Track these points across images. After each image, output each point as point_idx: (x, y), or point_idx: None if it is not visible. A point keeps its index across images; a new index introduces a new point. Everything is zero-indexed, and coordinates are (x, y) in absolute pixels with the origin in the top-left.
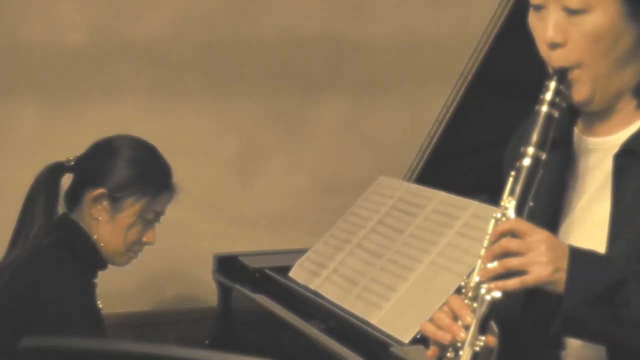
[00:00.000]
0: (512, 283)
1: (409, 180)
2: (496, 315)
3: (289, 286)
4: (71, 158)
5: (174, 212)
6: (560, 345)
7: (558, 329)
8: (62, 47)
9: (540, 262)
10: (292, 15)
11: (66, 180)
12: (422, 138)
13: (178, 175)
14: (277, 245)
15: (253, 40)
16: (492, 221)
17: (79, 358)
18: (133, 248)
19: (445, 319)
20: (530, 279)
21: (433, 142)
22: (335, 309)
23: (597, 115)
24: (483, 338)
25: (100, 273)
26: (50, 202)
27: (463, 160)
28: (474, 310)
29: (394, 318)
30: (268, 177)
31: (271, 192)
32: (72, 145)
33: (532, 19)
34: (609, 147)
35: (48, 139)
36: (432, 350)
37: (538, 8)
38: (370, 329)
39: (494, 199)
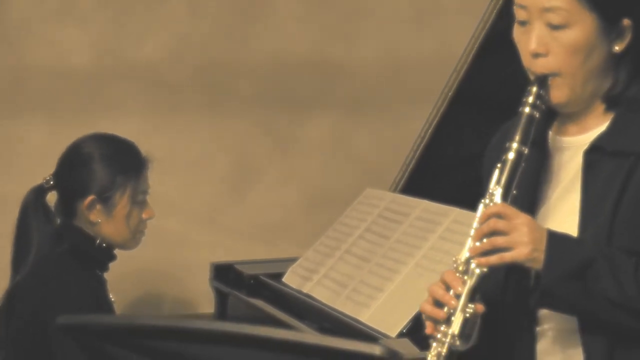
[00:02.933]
0: (494, 259)
1: (393, 193)
2: (481, 293)
3: (283, 290)
4: (48, 177)
5: (172, 223)
6: (534, 321)
7: (536, 302)
8: (66, 69)
9: (523, 241)
10: (284, 39)
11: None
12: (406, 154)
13: (176, 188)
14: (269, 255)
15: (247, 63)
16: (481, 206)
17: (110, 334)
18: (138, 230)
19: (439, 290)
20: (510, 255)
21: (416, 157)
22: (328, 309)
23: (570, 118)
24: (472, 306)
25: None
26: (43, 221)
27: (444, 175)
28: (464, 282)
29: (382, 315)
30: (260, 191)
31: (263, 205)
32: None
33: (517, 33)
34: (579, 145)
35: (54, 157)
36: (429, 327)
37: (523, 23)
38: (360, 325)
39: (474, 211)
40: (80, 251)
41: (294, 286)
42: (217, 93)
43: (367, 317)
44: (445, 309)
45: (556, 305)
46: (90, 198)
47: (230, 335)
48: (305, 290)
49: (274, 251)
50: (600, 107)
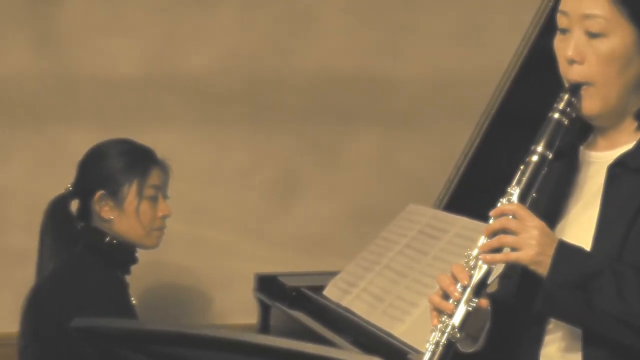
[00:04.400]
0: (499, 257)
1: (437, 209)
2: (495, 297)
3: (322, 303)
4: (69, 185)
5: (217, 234)
6: (542, 328)
7: (538, 307)
8: (115, 79)
9: (530, 244)
10: (330, 54)
11: None
12: (451, 170)
13: (222, 199)
14: (313, 268)
15: (293, 76)
16: (498, 204)
17: (122, 338)
18: (154, 227)
19: (445, 280)
20: (515, 255)
21: (459, 174)
22: (364, 324)
23: (602, 133)
24: (476, 300)
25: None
26: (60, 230)
27: (487, 191)
28: (471, 276)
29: (415, 330)
30: (306, 204)
31: (308, 218)
32: None
33: (557, 41)
34: (606, 160)
35: None
36: (434, 318)
37: (563, 31)
38: (393, 340)
39: None
40: (95, 249)
41: (333, 299)
42: (263, 106)
43: (401, 331)
44: (450, 300)
45: (558, 313)
46: (99, 193)
47: (232, 343)
48: (344, 304)
49: (317, 263)
50: (632, 125)
